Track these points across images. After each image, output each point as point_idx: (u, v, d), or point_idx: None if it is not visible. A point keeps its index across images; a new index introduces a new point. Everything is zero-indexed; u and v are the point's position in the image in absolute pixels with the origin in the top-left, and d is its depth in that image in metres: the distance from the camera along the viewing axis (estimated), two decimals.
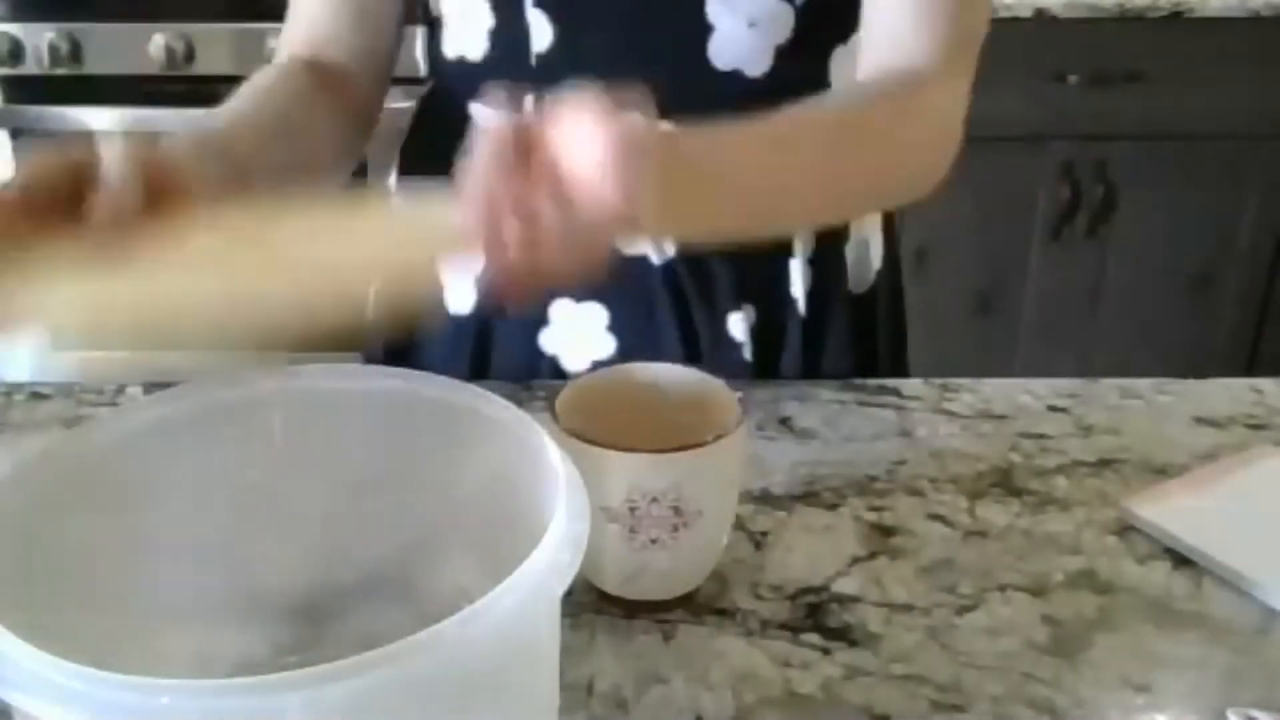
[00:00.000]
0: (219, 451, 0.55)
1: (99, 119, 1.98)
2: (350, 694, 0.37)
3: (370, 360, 0.95)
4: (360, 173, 0.89)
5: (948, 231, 2.04)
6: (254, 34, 1.91)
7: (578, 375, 0.69)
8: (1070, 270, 2.15)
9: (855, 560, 0.69)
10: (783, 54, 0.82)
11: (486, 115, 0.52)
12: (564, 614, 0.48)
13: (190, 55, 1.96)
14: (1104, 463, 0.79)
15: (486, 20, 0.84)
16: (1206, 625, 0.64)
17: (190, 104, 1.90)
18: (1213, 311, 2.19)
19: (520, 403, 0.53)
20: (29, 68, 1.98)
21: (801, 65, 0.83)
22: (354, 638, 0.42)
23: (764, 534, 0.72)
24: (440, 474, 0.55)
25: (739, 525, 0.70)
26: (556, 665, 0.49)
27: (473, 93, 0.87)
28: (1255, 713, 0.58)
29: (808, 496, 0.75)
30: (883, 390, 0.87)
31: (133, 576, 0.52)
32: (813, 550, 0.70)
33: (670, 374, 0.68)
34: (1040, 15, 1.95)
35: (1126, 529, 0.72)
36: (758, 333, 0.88)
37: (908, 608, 0.66)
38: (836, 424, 0.83)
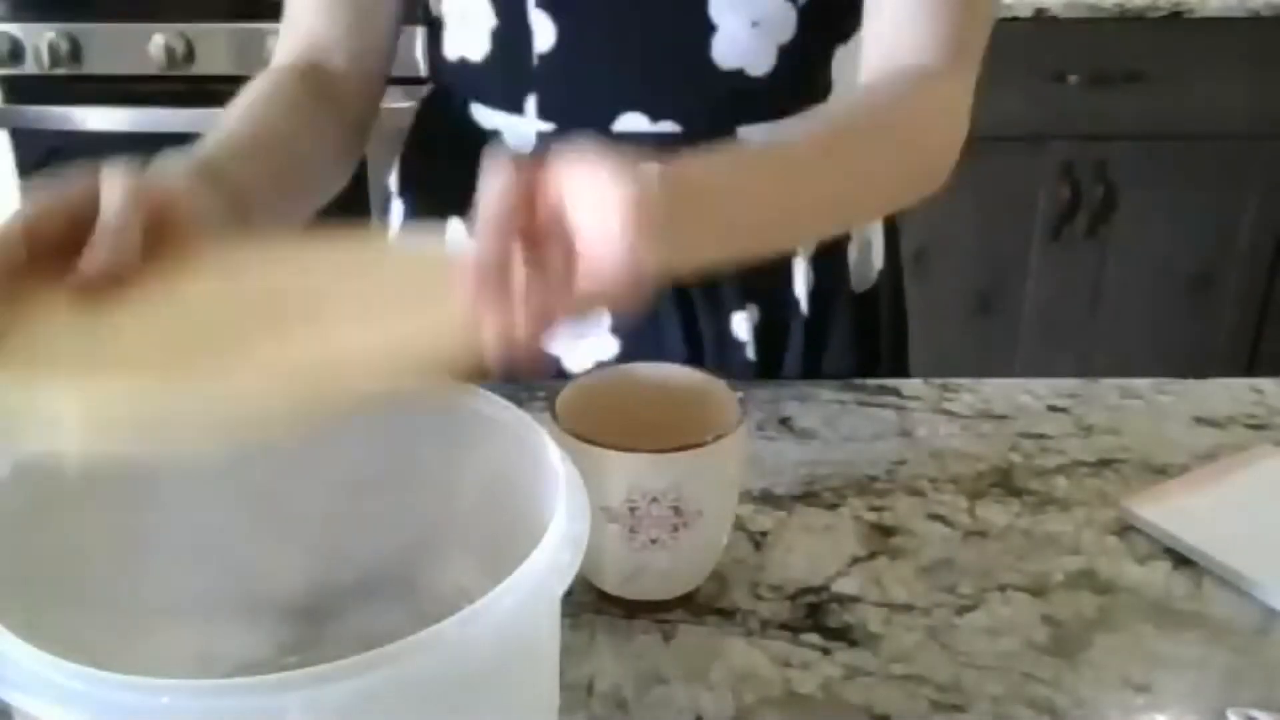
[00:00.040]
0: (219, 451, 0.55)
1: (99, 119, 1.98)
2: (350, 694, 0.37)
3: None
4: (360, 173, 0.89)
5: (948, 231, 2.03)
6: (254, 34, 1.91)
7: (578, 375, 0.69)
8: (1070, 270, 2.15)
9: (855, 560, 0.69)
10: (785, 53, 0.82)
11: (494, 171, 0.51)
12: (564, 614, 0.48)
13: (190, 55, 1.96)
14: (1104, 463, 0.79)
15: (488, 21, 0.84)
16: (1206, 625, 0.65)
17: (190, 104, 1.91)
18: (1213, 311, 2.19)
19: (520, 403, 0.53)
20: (29, 68, 1.98)
21: (804, 64, 0.83)
22: (354, 638, 0.42)
23: (764, 534, 0.72)
24: (440, 474, 0.55)
25: (739, 525, 0.70)
26: (556, 665, 0.49)
27: (473, 93, 0.87)
28: (1255, 713, 0.58)
29: (808, 496, 0.75)
30: (883, 390, 0.87)
31: (133, 576, 0.52)
32: (813, 550, 0.70)
33: (670, 374, 0.68)
34: (1040, 15, 1.95)
35: (1126, 529, 0.72)
36: (761, 332, 0.88)
37: (908, 608, 0.66)
38: (837, 424, 0.83)
